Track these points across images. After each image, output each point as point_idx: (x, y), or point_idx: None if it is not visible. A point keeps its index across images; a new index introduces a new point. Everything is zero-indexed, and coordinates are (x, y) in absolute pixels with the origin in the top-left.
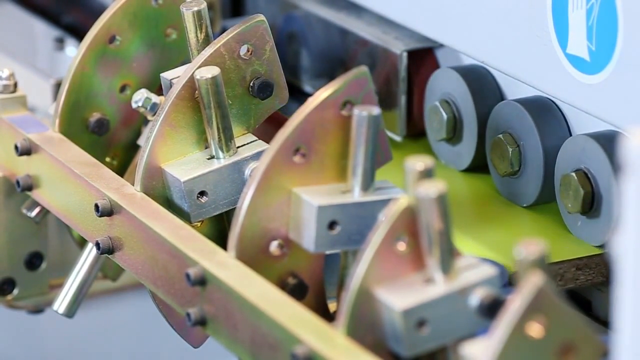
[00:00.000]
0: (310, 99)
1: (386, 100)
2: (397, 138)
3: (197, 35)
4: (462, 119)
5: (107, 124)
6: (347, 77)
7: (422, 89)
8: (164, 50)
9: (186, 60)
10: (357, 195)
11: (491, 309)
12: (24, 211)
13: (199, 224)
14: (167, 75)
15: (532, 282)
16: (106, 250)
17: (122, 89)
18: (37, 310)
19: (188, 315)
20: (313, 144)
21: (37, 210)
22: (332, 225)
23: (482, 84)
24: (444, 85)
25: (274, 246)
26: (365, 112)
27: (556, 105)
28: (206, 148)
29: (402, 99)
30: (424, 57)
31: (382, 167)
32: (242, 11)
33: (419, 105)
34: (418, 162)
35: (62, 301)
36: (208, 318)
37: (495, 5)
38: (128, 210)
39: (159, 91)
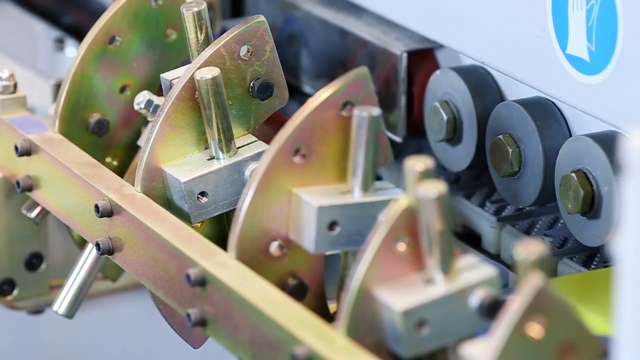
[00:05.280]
0: (310, 100)
1: (386, 101)
2: (397, 138)
3: (197, 36)
4: (462, 119)
5: (107, 124)
6: (347, 78)
7: (422, 90)
8: (164, 51)
9: (186, 61)
10: (357, 195)
11: (491, 309)
12: (24, 212)
13: (199, 224)
14: (167, 75)
15: (532, 283)
16: (106, 250)
17: (122, 89)
18: (37, 310)
19: (188, 315)
20: (313, 145)
21: (37, 210)
22: (332, 225)
23: (482, 84)
24: (444, 86)
25: (274, 247)
26: (365, 113)
27: (556, 106)
28: (206, 149)
29: (402, 100)
30: (424, 58)
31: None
32: (242, 12)
33: (419, 106)
34: (418, 163)
35: (62, 302)
36: (208, 319)
37: (495, 6)
38: (128, 211)
39: (159, 92)
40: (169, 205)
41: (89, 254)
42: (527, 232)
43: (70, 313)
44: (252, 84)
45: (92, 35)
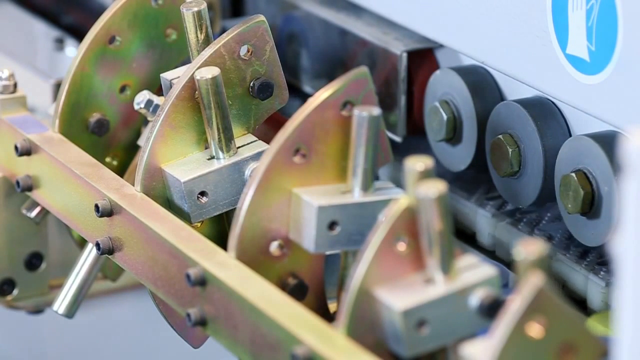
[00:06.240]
0: (310, 100)
1: (386, 101)
2: (397, 138)
3: (197, 36)
4: (462, 119)
5: (107, 124)
6: (347, 78)
7: (422, 90)
8: (164, 51)
9: (186, 61)
10: (357, 195)
11: (491, 309)
12: (24, 211)
13: (199, 224)
14: (167, 75)
15: (532, 283)
16: (106, 250)
17: (122, 89)
18: (37, 310)
19: (188, 315)
20: (313, 145)
21: (37, 210)
22: (332, 225)
23: (482, 84)
24: (444, 86)
25: (274, 246)
26: (365, 113)
27: (556, 105)
28: (206, 148)
29: (402, 100)
30: (423, 58)
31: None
32: (242, 11)
33: (419, 106)
34: (418, 162)
35: (62, 301)
36: (208, 318)
37: (495, 6)
38: (128, 211)
39: (158, 91)
40: (169, 205)
41: (89, 254)
42: (580, 259)
43: (70, 313)
44: (252, 83)
45: (92, 35)
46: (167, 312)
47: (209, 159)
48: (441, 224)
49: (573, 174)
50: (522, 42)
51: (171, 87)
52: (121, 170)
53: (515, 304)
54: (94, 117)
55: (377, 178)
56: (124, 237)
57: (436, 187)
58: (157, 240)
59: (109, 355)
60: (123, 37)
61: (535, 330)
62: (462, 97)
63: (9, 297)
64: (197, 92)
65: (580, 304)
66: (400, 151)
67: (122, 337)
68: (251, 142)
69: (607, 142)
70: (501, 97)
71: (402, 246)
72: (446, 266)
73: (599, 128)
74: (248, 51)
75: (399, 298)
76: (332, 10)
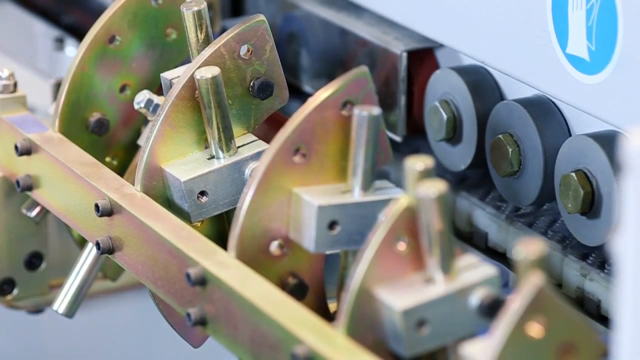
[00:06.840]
0: (310, 99)
1: (386, 101)
2: (397, 138)
3: (197, 35)
4: (462, 119)
5: (107, 124)
6: (347, 77)
7: (422, 89)
8: (164, 50)
9: (186, 60)
10: (357, 195)
11: (491, 309)
12: (24, 211)
13: (199, 224)
14: (167, 75)
15: (532, 282)
16: (106, 250)
17: (122, 89)
18: (37, 310)
19: (188, 315)
20: (313, 144)
21: (37, 210)
22: (332, 225)
23: (482, 84)
24: (443, 86)
25: (274, 246)
26: (365, 112)
27: (556, 105)
28: (206, 148)
29: (402, 99)
30: (424, 57)
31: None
32: (242, 11)
33: (419, 106)
34: (418, 162)
35: (62, 301)
36: (208, 318)
37: (495, 5)
38: (128, 210)
39: (159, 91)
40: (169, 204)
41: (89, 254)
42: (615, 277)
43: (70, 312)
44: (252, 83)
45: (92, 35)
46: (167, 312)
47: (209, 159)
48: (441, 224)
49: (573, 174)
50: (522, 42)
51: (171, 86)
52: (121, 170)
53: (515, 304)
54: (94, 116)
55: (380, 178)
56: (124, 236)
57: (436, 187)
58: (157, 239)
59: (109, 355)
60: (123, 36)
61: (535, 330)
62: (462, 97)
63: (9, 297)
64: (197, 92)
65: None
66: (400, 151)
67: (122, 337)
68: (251, 142)
69: (607, 142)
70: (501, 97)
71: (402, 246)
72: (446, 266)
73: (599, 128)
74: (248, 51)
75: (399, 298)
76: (332, 10)
